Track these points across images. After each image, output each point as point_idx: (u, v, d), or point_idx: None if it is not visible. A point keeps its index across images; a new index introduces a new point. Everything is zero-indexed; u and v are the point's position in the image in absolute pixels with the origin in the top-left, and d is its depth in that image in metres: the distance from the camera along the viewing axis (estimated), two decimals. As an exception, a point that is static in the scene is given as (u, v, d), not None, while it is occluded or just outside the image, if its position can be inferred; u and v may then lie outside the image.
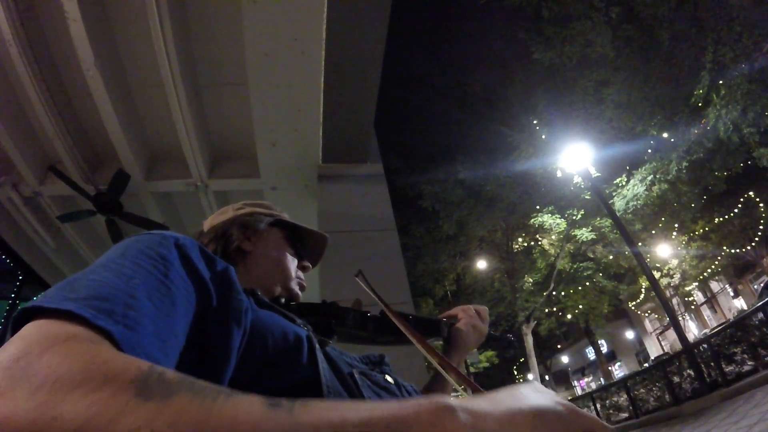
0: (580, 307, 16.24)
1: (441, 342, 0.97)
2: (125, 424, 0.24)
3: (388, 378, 0.71)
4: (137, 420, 0.25)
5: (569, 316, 17.82)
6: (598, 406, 10.04)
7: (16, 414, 0.25)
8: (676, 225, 15.17)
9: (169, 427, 0.25)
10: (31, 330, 0.32)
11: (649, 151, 11.14)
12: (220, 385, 0.29)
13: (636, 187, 11.24)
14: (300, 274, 0.90)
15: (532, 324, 15.78)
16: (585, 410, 0.35)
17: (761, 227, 15.80)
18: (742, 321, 7.03)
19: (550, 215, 13.69)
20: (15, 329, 0.33)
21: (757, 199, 15.35)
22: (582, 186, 12.46)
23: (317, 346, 0.60)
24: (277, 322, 0.59)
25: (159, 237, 0.49)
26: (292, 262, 0.88)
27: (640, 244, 13.97)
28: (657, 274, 15.91)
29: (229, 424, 0.26)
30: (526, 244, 16.57)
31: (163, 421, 0.25)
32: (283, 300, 0.81)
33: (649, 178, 10.94)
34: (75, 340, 0.31)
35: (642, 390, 8.66)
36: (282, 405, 0.28)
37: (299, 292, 0.86)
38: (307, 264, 0.93)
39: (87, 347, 0.30)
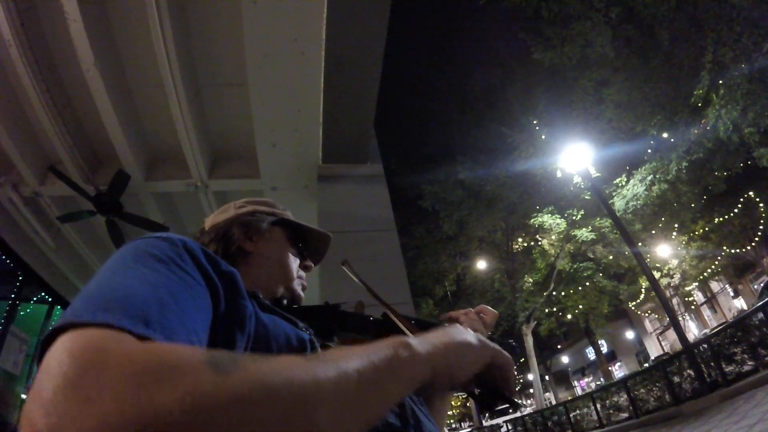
0: (580, 307, 16.24)
1: None
2: (224, 394, 0.26)
3: None
4: (230, 388, 0.27)
5: (569, 316, 17.81)
6: (599, 406, 10.04)
7: (113, 416, 0.24)
8: (676, 225, 15.17)
9: (260, 383, 0.28)
10: (74, 344, 0.29)
11: (649, 151, 11.14)
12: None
13: (636, 187, 11.24)
14: (302, 274, 0.88)
15: (532, 324, 15.79)
16: (493, 344, 0.55)
17: (761, 227, 15.80)
18: (742, 321, 7.03)
19: (550, 215, 13.69)
20: (45, 349, 0.31)
21: (757, 199, 15.35)
22: (582, 186, 12.46)
23: (319, 350, 0.60)
24: (281, 327, 0.59)
25: (167, 241, 0.49)
26: (294, 263, 0.86)
27: (640, 244, 13.97)
28: (657, 274, 15.91)
29: (287, 367, 0.31)
30: (526, 244, 16.58)
31: (250, 380, 0.28)
32: (285, 301, 0.80)
33: (649, 178, 10.94)
34: (125, 342, 0.30)
35: (642, 390, 8.65)
36: (316, 357, 0.36)
37: (301, 293, 0.85)
38: (310, 263, 0.92)
39: (142, 348, 0.30)
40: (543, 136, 12.29)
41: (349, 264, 0.86)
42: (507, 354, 0.55)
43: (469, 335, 0.52)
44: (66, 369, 0.27)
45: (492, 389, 0.55)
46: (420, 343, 0.45)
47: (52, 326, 0.32)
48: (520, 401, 0.69)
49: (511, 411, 0.56)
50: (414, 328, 0.70)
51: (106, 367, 0.27)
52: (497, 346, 0.55)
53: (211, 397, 0.26)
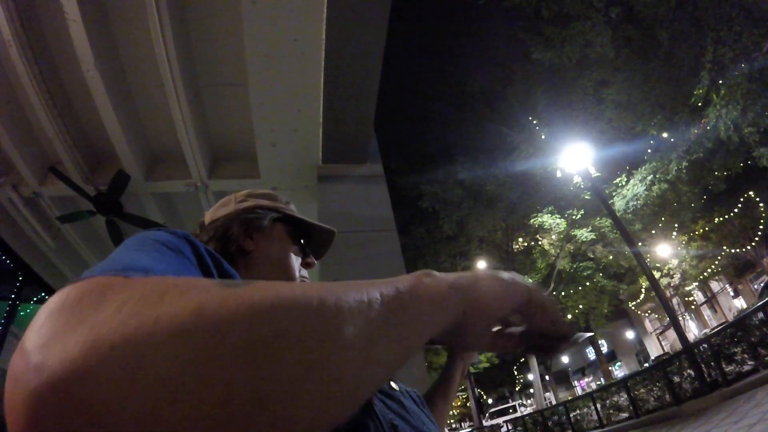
0: (581, 307, 16.25)
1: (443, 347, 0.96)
2: (234, 300, 0.24)
3: (393, 384, 0.69)
4: (242, 296, 0.24)
5: (569, 316, 17.80)
6: (599, 406, 10.04)
7: (106, 332, 0.21)
8: (676, 225, 15.18)
9: (275, 294, 0.25)
10: (71, 287, 0.27)
11: (649, 151, 11.15)
12: None
13: (636, 187, 11.25)
14: (304, 272, 0.86)
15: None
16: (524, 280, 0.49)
17: (761, 227, 15.81)
18: (742, 321, 7.03)
19: (550, 215, 13.70)
20: None
21: (757, 199, 15.36)
22: (582, 186, 12.47)
23: None
24: None
25: (171, 232, 0.48)
26: (296, 261, 0.84)
27: (640, 244, 13.97)
28: (657, 274, 15.92)
29: (303, 285, 0.28)
30: (526, 244, 16.59)
31: (264, 290, 0.25)
32: None
33: (649, 178, 10.95)
34: (131, 277, 0.28)
35: (642, 390, 8.66)
36: (311, 284, 0.30)
37: None
38: (312, 261, 0.88)
39: (146, 277, 0.28)
40: (543, 136, 12.30)
41: None
42: (543, 290, 0.49)
43: (496, 271, 0.48)
44: (61, 298, 0.25)
45: (539, 334, 0.48)
46: (443, 274, 0.41)
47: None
48: (577, 332, 0.52)
49: (568, 345, 0.49)
50: None
51: (105, 290, 0.25)
52: (529, 282, 0.49)
53: (221, 304, 0.23)
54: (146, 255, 0.39)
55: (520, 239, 16.61)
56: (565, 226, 13.68)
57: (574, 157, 9.96)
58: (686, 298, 21.38)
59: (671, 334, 22.07)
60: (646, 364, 17.88)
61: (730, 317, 17.43)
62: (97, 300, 0.24)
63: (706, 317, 22.45)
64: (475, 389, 22.04)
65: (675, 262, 17.58)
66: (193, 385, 0.20)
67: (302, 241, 0.87)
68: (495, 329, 0.48)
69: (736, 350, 6.83)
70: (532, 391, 21.91)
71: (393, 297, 0.32)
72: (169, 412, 0.20)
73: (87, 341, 0.21)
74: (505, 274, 0.48)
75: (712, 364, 7.07)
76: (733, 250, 16.98)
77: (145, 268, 0.35)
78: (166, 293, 0.24)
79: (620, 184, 11.97)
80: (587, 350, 30.44)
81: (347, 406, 0.26)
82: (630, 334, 28.26)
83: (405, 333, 0.32)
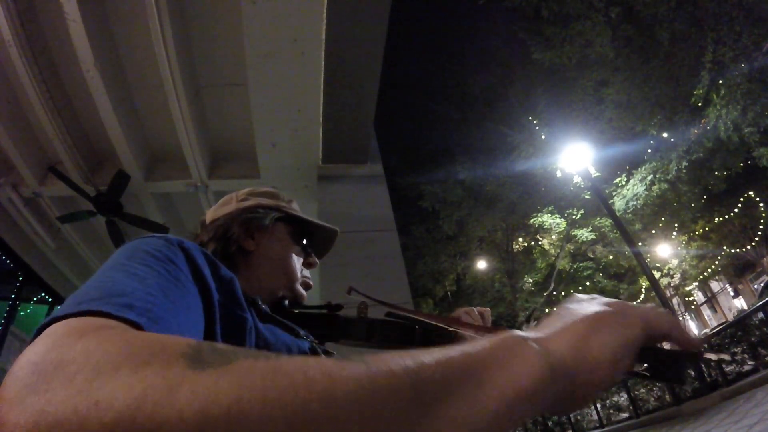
0: (581, 307, 16.21)
1: None
2: (183, 394, 0.21)
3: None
4: (197, 388, 0.21)
5: (569, 316, 17.78)
6: (599, 405, 10.03)
7: (51, 407, 0.21)
8: (676, 225, 15.17)
9: (239, 388, 0.21)
10: (55, 328, 0.28)
11: (649, 151, 11.14)
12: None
13: (636, 187, 11.24)
14: (306, 272, 0.84)
15: (533, 324, 15.75)
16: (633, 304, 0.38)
17: (761, 227, 15.81)
18: (742, 321, 7.04)
19: (550, 215, 13.70)
20: None
21: (757, 199, 15.35)
22: (582, 186, 12.46)
23: (322, 356, 0.58)
24: (282, 340, 0.56)
25: (163, 240, 0.48)
26: (298, 261, 0.82)
27: (640, 243, 13.97)
28: (657, 274, 15.91)
29: (302, 374, 0.23)
30: (526, 244, 16.58)
31: (229, 384, 0.21)
32: (286, 302, 0.77)
33: (649, 177, 10.94)
34: (106, 327, 0.28)
35: (642, 390, 8.65)
36: (354, 360, 0.25)
37: (304, 293, 0.81)
38: (314, 260, 0.87)
39: (122, 330, 0.28)
40: (543, 136, 12.29)
41: (356, 289, 0.81)
42: (659, 309, 0.41)
43: (594, 304, 0.38)
44: (27, 355, 0.25)
45: (662, 355, 0.40)
46: (539, 335, 0.33)
47: (39, 324, 0.30)
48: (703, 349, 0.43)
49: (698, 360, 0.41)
50: (442, 319, 0.65)
51: (69, 350, 0.24)
52: (646, 306, 0.41)
53: (165, 395, 0.21)
54: (131, 274, 0.39)
55: (520, 239, 16.60)
56: (565, 226, 13.68)
57: (574, 157, 9.96)
58: (686, 298, 21.37)
59: (671, 334, 22.03)
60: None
61: (730, 317, 17.43)
62: (57, 363, 0.23)
63: (706, 317, 22.45)
64: (475, 389, 21.99)
65: (675, 262, 17.57)
66: None
67: (304, 240, 0.85)
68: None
69: (736, 350, 6.83)
70: (532, 391, 21.89)
71: (460, 380, 0.26)
72: None
73: (34, 413, 0.21)
74: (608, 306, 0.38)
75: (712, 363, 7.07)
76: (733, 250, 16.98)
77: (126, 292, 0.34)
78: (120, 367, 0.22)
79: (620, 184, 11.96)
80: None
81: None
82: (630, 334, 28.26)
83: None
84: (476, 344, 0.30)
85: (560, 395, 0.31)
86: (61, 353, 0.24)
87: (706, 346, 0.36)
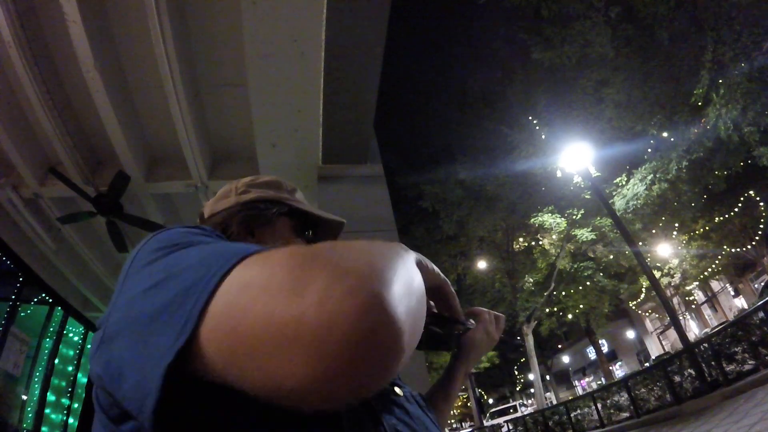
0: (581, 306, 16.24)
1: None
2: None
3: (397, 390, 0.66)
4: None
5: (570, 316, 17.82)
6: (599, 405, 10.03)
7: (377, 264, 0.30)
8: (677, 224, 15.18)
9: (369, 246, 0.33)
10: (254, 260, 0.31)
11: (649, 150, 11.14)
12: None
13: (636, 187, 11.24)
14: None
15: (533, 324, 15.78)
16: None
17: (761, 226, 15.81)
18: (742, 320, 7.03)
19: (550, 215, 13.70)
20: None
21: (758, 198, 15.35)
22: (582, 186, 12.47)
23: None
24: None
25: (196, 227, 0.47)
26: None
27: (640, 243, 13.97)
28: (657, 274, 15.91)
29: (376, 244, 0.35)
30: (526, 244, 16.58)
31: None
32: None
33: (649, 177, 10.94)
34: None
35: (643, 389, 8.65)
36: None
37: None
38: None
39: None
40: (543, 136, 12.29)
41: None
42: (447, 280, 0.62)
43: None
44: (277, 259, 0.29)
45: (443, 318, 0.60)
46: None
47: (217, 274, 0.30)
48: (467, 322, 0.74)
49: (458, 331, 0.63)
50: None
51: (309, 253, 0.29)
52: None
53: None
54: (208, 243, 0.39)
55: (521, 239, 16.60)
56: (565, 225, 13.68)
57: (574, 157, 9.96)
58: (687, 298, 21.37)
59: (672, 333, 22.07)
60: (647, 364, 17.88)
61: (731, 317, 17.43)
62: (327, 252, 0.30)
63: (706, 317, 22.45)
64: (476, 389, 22.04)
65: (675, 261, 17.58)
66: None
67: (308, 233, 0.80)
68: None
69: (736, 349, 6.83)
70: (532, 390, 21.91)
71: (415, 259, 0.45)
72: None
73: (369, 268, 0.29)
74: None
75: (713, 363, 7.07)
76: (733, 250, 16.98)
77: (239, 249, 0.34)
78: (360, 248, 0.32)
79: (620, 184, 11.96)
80: (588, 350, 30.43)
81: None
82: (630, 334, 28.25)
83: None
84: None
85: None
86: (288, 252, 0.30)
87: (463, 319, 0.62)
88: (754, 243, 16.87)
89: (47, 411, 5.57)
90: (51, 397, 5.69)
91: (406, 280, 0.32)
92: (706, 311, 22.61)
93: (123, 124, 3.88)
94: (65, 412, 5.99)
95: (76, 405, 6.22)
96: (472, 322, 0.83)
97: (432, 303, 0.66)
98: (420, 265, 0.52)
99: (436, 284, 0.61)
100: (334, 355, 0.24)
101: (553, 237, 14.85)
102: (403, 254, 0.38)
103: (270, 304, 0.26)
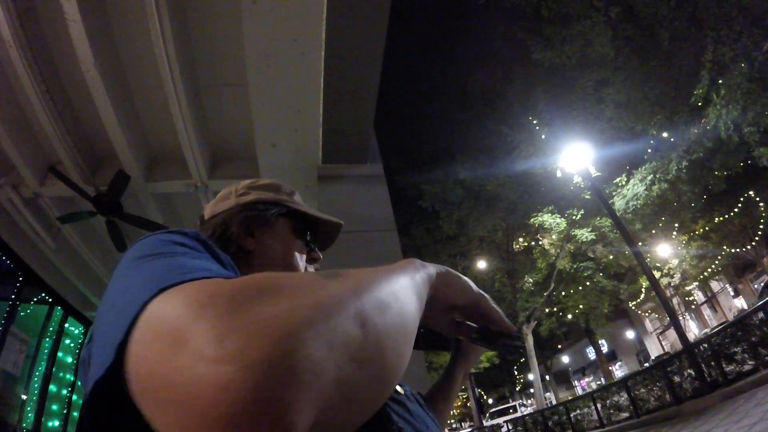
0: (581, 307, 16.24)
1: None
2: (335, 287, 0.30)
3: (398, 388, 0.67)
4: (339, 283, 0.31)
5: (569, 316, 17.82)
6: (599, 405, 10.03)
7: (296, 315, 0.25)
8: (676, 224, 15.18)
9: (356, 280, 0.33)
10: (172, 294, 0.28)
11: (649, 150, 11.15)
12: None
13: (636, 187, 11.24)
14: (309, 269, 0.81)
15: (533, 324, 15.79)
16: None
17: (761, 227, 15.80)
18: (742, 320, 7.03)
19: (550, 215, 13.70)
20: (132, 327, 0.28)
21: (757, 199, 15.35)
22: (582, 186, 12.47)
23: None
24: None
25: (179, 233, 0.46)
26: (301, 258, 0.78)
27: (640, 243, 13.97)
28: (657, 274, 15.91)
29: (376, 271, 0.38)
30: (526, 244, 16.58)
31: (352, 277, 0.34)
32: None
33: (649, 177, 10.94)
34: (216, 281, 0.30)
35: (643, 390, 8.65)
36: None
37: None
38: (318, 255, 0.83)
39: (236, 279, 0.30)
40: (543, 136, 12.30)
41: None
42: (485, 295, 0.63)
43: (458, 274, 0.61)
44: (190, 300, 0.26)
45: (487, 330, 0.61)
46: (426, 264, 0.52)
47: (139, 302, 0.29)
48: (516, 332, 0.67)
49: (514, 344, 0.62)
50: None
51: (247, 287, 0.27)
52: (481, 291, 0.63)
53: (328, 289, 0.29)
54: (179, 257, 0.38)
55: (521, 239, 16.60)
56: (565, 225, 13.68)
57: (574, 157, 9.96)
58: (686, 298, 21.38)
59: (671, 333, 22.07)
60: (647, 364, 17.89)
61: (731, 317, 17.43)
62: (254, 294, 0.27)
63: (706, 317, 22.45)
64: (476, 389, 22.04)
65: (675, 261, 17.58)
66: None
67: (307, 234, 0.81)
68: (456, 318, 0.62)
69: (736, 350, 6.83)
70: (532, 390, 21.91)
71: (420, 279, 0.46)
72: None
73: (289, 319, 0.25)
74: (465, 277, 0.61)
75: (713, 363, 7.07)
76: (733, 250, 16.98)
77: (193, 267, 0.34)
78: (311, 285, 0.29)
79: (620, 184, 11.96)
80: (587, 350, 30.44)
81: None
82: (630, 334, 28.25)
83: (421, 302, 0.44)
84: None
85: (431, 293, 0.50)
86: (217, 287, 0.27)
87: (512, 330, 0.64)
88: (753, 243, 16.87)
89: (47, 410, 5.58)
90: (51, 396, 5.70)
91: (368, 327, 0.29)
92: (706, 311, 22.62)
93: (123, 123, 3.88)
94: (65, 411, 6.00)
95: (76, 403, 6.22)
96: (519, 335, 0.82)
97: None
98: (440, 282, 0.54)
99: (471, 302, 0.61)
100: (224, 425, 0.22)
101: (553, 237, 14.86)
102: (387, 281, 0.37)
103: (168, 358, 0.24)
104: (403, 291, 0.39)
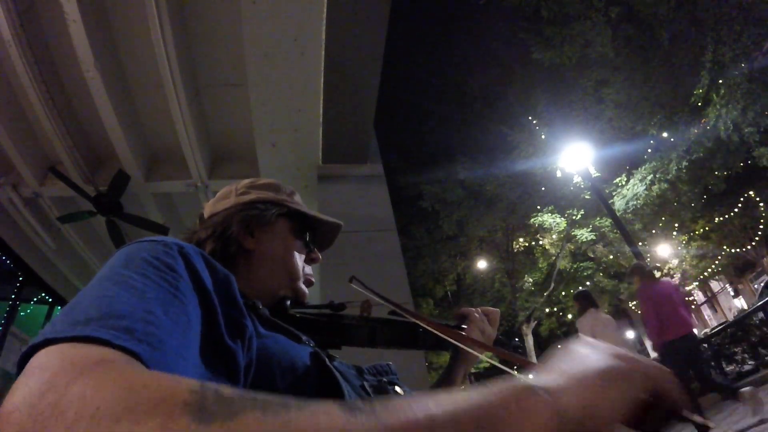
0: (581, 306, 16.20)
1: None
2: None
3: (398, 389, 0.67)
4: None
5: (570, 316, 17.80)
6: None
7: None
8: (676, 224, 15.17)
9: None
10: (49, 358, 0.27)
11: (649, 150, 11.14)
12: (285, 396, 0.26)
13: (636, 187, 11.24)
14: (308, 269, 0.81)
15: (533, 324, 15.79)
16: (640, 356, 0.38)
17: (761, 227, 15.80)
18: (742, 320, 7.04)
19: (550, 215, 13.70)
20: (22, 368, 0.28)
21: (757, 199, 15.34)
22: (582, 186, 12.46)
23: (330, 365, 0.55)
24: (284, 349, 0.54)
25: (161, 245, 0.45)
26: (300, 258, 0.79)
27: (640, 243, 13.96)
28: (657, 274, 15.89)
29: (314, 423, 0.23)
30: (526, 244, 16.58)
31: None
32: (288, 302, 0.74)
33: (649, 177, 10.93)
34: (104, 364, 0.27)
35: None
36: (362, 409, 0.25)
37: (306, 291, 0.78)
38: (317, 256, 0.83)
39: (121, 370, 0.27)
40: (543, 136, 12.30)
41: (358, 279, 0.79)
42: (660, 367, 0.39)
43: (606, 357, 0.36)
44: (23, 392, 0.25)
45: (657, 415, 0.38)
46: (548, 386, 0.32)
47: (30, 343, 0.30)
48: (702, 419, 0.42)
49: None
50: (445, 330, 0.64)
51: (66, 392, 0.24)
52: (651, 362, 0.40)
53: None
54: (130, 286, 0.37)
55: (521, 239, 16.59)
56: (565, 225, 13.68)
57: (574, 157, 9.95)
58: (686, 298, 21.35)
59: (671, 333, 22.05)
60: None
61: (731, 317, 17.43)
62: (54, 408, 0.23)
63: (706, 317, 22.45)
64: (476, 389, 22.00)
65: (675, 261, 17.57)
66: None
67: (306, 235, 0.81)
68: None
69: (736, 350, 6.84)
70: (532, 391, 21.88)
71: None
72: None
73: None
74: (620, 361, 0.37)
75: (713, 363, 7.07)
76: (733, 250, 16.97)
77: (124, 313, 0.33)
78: (120, 419, 0.22)
79: (620, 184, 11.96)
80: (587, 350, 30.40)
81: None
82: (630, 334, 28.24)
83: None
84: (487, 394, 0.30)
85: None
86: (59, 396, 0.24)
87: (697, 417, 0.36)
88: (753, 243, 16.86)
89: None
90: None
91: None
92: (706, 311, 22.63)
93: (123, 123, 3.88)
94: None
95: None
96: None
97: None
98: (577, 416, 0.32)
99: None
100: None
101: (553, 237, 14.85)
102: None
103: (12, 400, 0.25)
104: None
